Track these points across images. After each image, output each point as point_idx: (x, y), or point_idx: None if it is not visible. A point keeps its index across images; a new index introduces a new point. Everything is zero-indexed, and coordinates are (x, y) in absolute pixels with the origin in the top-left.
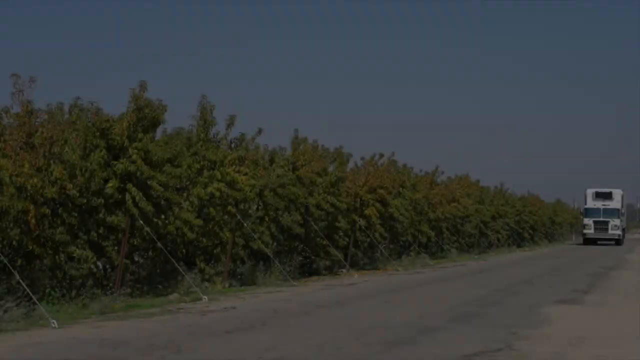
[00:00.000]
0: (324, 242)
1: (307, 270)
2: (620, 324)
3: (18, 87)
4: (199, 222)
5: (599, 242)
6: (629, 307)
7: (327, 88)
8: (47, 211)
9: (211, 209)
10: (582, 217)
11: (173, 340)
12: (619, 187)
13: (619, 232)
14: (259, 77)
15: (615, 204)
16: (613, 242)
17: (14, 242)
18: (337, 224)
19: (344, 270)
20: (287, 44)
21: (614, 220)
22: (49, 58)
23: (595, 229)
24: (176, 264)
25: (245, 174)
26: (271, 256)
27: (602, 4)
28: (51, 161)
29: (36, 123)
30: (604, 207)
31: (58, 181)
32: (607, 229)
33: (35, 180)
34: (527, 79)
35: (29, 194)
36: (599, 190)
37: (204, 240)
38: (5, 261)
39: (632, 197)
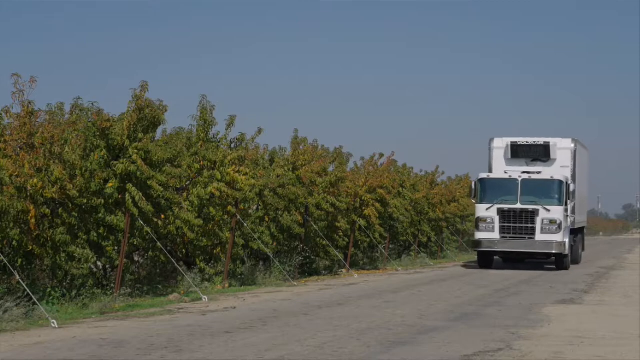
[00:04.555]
0: (324, 242)
1: (307, 270)
2: (619, 324)
3: (18, 87)
4: (199, 222)
5: (526, 260)
6: (629, 307)
7: (327, 87)
8: (47, 211)
9: (211, 209)
10: (474, 201)
11: (173, 340)
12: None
13: (560, 237)
14: (259, 77)
15: (555, 170)
16: (552, 261)
17: (14, 242)
18: (337, 224)
19: (344, 270)
20: (287, 43)
21: (549, 210)
22: (49, 58)
23: (503, 230)
24: (176, 264)
25: (245, 174)
26: (271, 256)
27: None
28: (51, 161)
29: (36, 123)
30: (527, 177)
31: (58, 181)
32: (532, 231)
33: (35, 180)
34: (525, 77)
35: (29, 194)
36: (522, 140)
37: (204, 240)
38: (5, 261)
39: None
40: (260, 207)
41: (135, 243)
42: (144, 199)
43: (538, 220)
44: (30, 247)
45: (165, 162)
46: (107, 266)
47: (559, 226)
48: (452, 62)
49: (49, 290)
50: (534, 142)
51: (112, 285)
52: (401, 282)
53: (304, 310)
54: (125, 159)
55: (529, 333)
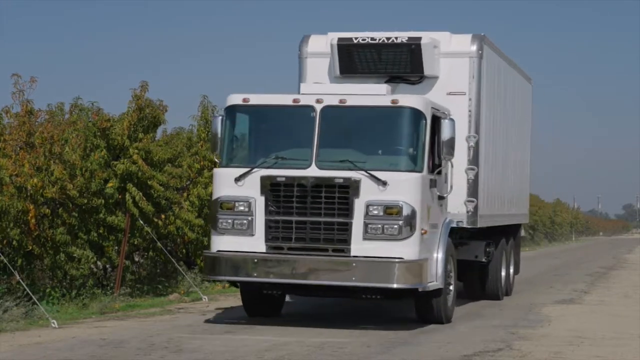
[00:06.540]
0: None
1: None
2: (619, 324)
3: (19, 87)
4: (200, 222)
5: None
6: (629, 307)
7: None
8: (47, 211)
9: None
10: (216, 160)
11: (173, 340)
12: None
13: (412, 248)
14: (259, 77)
15: (425, 87)
16: (399, 295)
17: (14, 242)
18: None
19: None
20: (287, 43)
21: (384, 183)
22: (49, 58)
23: (273, 230)
24: (176, 264)
25: None
26: None
27: None
28: (51, 161)
29: (36, 123)
30: (336, 103)
31: (58, 181)
32: (342, 233)
33: (35, 180)
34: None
35: (29, 194)
36: (364, 37)
37: (205, 240)
38: (6, 261)
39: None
40: None
41: (135, 243)
42: (144, 199)
43: (356, 205)
44: (30, 247)
45: (165, 162)
46: (107, 266)
47: (409, 221)
48: None
49: (49, 290)
50: (388, 39)
51: (112, 285)
52: None
53: (304, 310)
54: (125, 159)
55: (529, 333)
